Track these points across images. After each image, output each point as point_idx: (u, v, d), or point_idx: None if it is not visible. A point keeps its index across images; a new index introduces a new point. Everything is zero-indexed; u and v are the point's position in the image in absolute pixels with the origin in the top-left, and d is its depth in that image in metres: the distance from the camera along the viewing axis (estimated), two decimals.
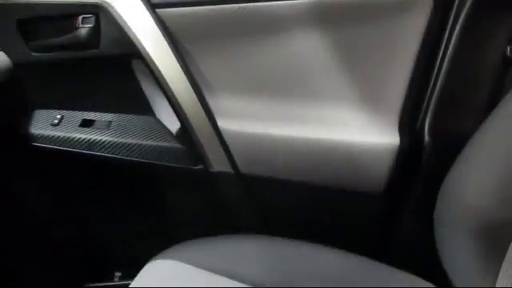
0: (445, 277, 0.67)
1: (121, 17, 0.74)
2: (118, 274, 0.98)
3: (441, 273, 0.67)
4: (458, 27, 0.70)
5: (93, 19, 0.75)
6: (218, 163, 0.80)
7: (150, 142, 0.82)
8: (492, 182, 0.59)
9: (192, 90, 0.77)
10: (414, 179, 0.77)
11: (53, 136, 0.82)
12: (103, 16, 0.75)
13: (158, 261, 0.68)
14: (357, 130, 0.76)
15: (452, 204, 0.66)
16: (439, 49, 0.72)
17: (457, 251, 0.65)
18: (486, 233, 0.59)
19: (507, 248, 0.58)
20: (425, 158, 0.76)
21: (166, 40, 0.74)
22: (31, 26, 0.78)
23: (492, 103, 0.67)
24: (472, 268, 0.62)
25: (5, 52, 0.80)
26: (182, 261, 0.65)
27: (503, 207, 0.58)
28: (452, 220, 0.65)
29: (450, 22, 0.71)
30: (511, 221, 0.57)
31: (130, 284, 0.67)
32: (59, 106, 0.87)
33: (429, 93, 0.74)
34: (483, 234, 0.60)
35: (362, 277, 0.70)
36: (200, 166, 0.81)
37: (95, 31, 0.76)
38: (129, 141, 0.82)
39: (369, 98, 0.75)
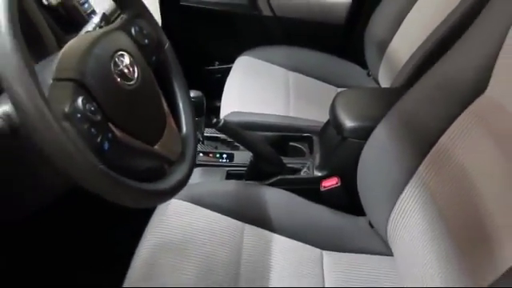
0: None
1: None
2: (217, 62, 1.80)
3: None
4: None
5: None
6: (265, 10, 1.63)
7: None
8: (389, 18, 1.36)
9: None
10: (359, 19, 1.60)
11: None
12: None
13: (242, 57, 1.53)
14: None
15: (370, 30, 1.48)
16: None
17: (370, 57, 1.48)
18: (379, 44, 1.39)
19: (386, 49, 1.43)
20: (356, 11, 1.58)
21: None
22: None
23: None
24: (376, 62, 1.42)
25: None
26: (256, 58, 1.51)
27: (390, 31, 1.36)
28: (368, 40, 1.49)
29: None
30: (388, 38, 1.40)
31: (225, 66, 1.58)
32: None
33: None
34: (379, 45, 1.39)
35: (332, 64, 1.61)
36: (255, 12, 1.65)
37: None
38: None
39: None
